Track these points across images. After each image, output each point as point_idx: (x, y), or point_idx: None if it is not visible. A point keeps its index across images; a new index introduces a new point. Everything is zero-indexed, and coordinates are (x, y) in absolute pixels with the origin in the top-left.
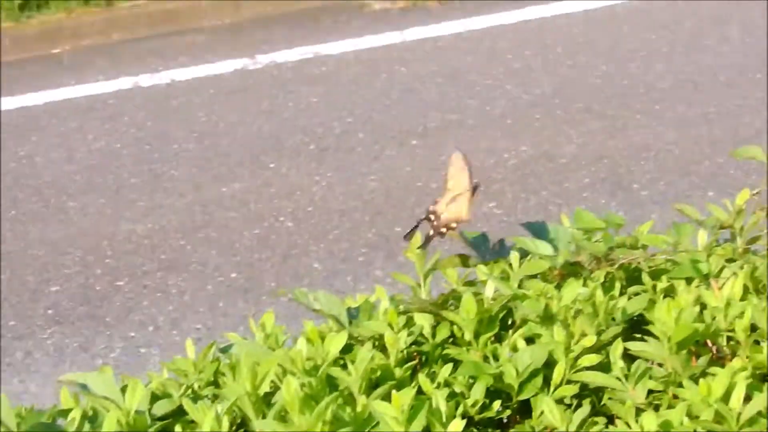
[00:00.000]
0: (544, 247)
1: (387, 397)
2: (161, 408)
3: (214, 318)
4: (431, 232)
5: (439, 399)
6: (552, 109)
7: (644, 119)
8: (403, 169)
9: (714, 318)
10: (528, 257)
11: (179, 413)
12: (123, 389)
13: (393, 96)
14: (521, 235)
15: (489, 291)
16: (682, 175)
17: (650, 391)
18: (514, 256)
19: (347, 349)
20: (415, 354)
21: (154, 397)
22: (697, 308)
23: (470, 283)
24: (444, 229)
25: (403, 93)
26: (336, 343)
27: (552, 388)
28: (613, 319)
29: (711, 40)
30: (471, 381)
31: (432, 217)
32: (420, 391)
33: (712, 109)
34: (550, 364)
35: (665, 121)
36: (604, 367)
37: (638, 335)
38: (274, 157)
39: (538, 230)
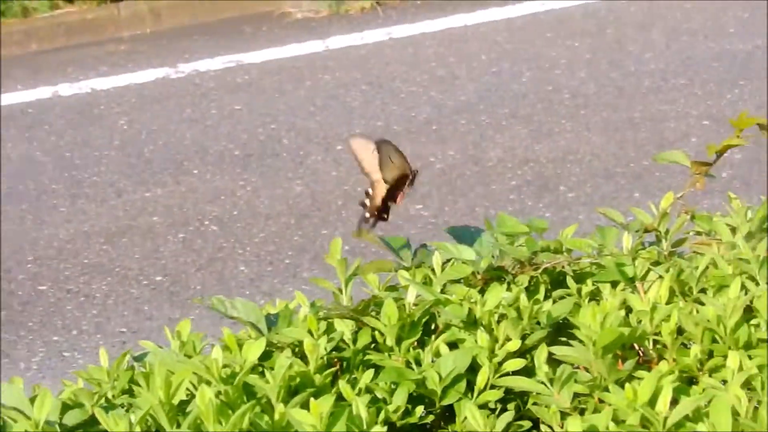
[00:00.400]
0: (466, 252)
1: (306, 405)
2: (72, 418)
3: (138, 322)
4: (366, 215)
5: (360, 405)
6: (477, 115)
7: (570, 124)
8: (329, 173)
9: (640, 322)
10: (451, 262)
11: (91, 423)
12: (32, 399)
13: (317, 103)
14: (449, 240)
15: (411, 296)
16: (608, 178)
17: (576, 396)
18: (436, 261)
19: (266, 356)
20: (335, 360)
21: (66, 407)
22: (623, 312)
23: (392, 289)
24: (377, 212)
25: (327, 100)
26: (254, 350)
27: (476, 393)
28: (538, 323)
29: (634, 46)
30: (393, 387)
31: (367, 201)
32: (341, 398)
33: (636, 114)
34: (474, 369)
35: (591, 126)
36: (529, 371)
37: (564, 339)
38: (197, 163)
39: (462, 235)
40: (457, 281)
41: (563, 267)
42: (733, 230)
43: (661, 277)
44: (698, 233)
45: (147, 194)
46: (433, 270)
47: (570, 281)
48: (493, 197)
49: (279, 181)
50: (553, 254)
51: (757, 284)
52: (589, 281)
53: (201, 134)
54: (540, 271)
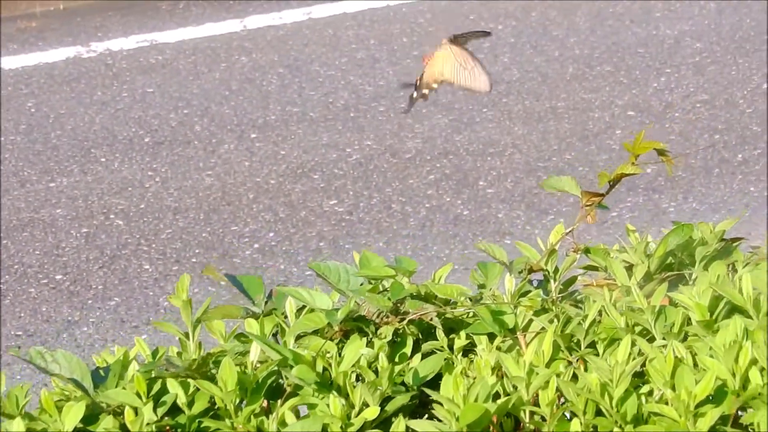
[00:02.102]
0: (321, 300)
1: None
2: None
3: (35, 324)
4: (414, 94)
5: None
6: (397, 101)
7: (491, 113)
8: (241, 163)
9: (516, 388)
10: (306, 310)
11: None
12: None
13: (232, 87)
14: (363, 240)
15: (254, 353)
16: (529, 172)
17: None
18: (290, 308)
19: (91, 419)
20: (167, 428)
21: None
22: (494, 379)
23: (243, 337)
24: (426, 90)
25: (242, 84)
26: (72, 416)
27: None
28: (404, 383)
29: (559, 30)
30: None
31: (417, 80)
32: None
33: (560, 103)
34: None
35: (513, 116)
36: None
37: (435, 401)
38: (106, 150)
39: (327, 272)
40: (315, 332)
41: (431, 320)
42: (630, 269)
43: (544, 329)
44: (593, 267)
45: (51, 184)
46: (287, 317)
47: (440, 334)
48: (410, 192)
49: (189, 172)
50: (421, 303)
51: (652, 340)
52: (463, 333)
53: (111, 119)
54: (405, 322)
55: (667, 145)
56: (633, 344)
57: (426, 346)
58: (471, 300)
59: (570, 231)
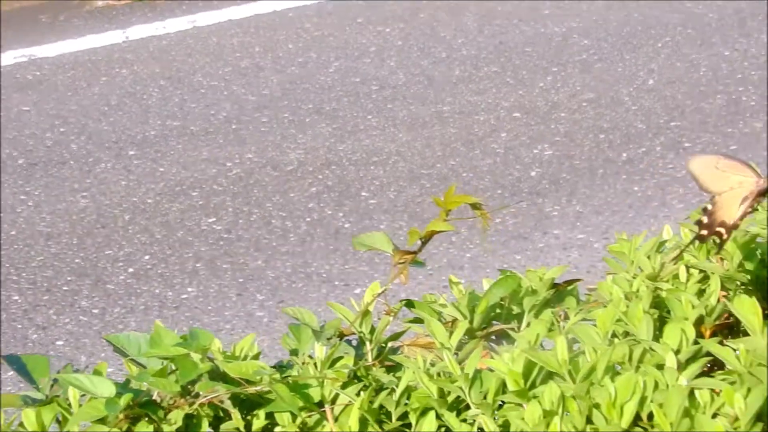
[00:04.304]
0: (103, 387)
1: None
2: None
3: None
4: (704, 232)
5: None
6: (280, 111)
7: (376, 120)
8: (117, 183)
9: None
10: (88, 397)
11: None
12: None
13: (111, 101)
14: (241, 259)
15: None
16: (413, 180)
17: None
18: (73, 396)
19: None
20: None
21: None
22: None
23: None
24: (719, 228)
25: (122, 98)
26: None
27: None
28: None
29: (446, 31)
30: None
31: (705, 217)
32: None
33: (446, 107)
34: None
35: (397, 122)
36: None
37: None
38: None
39: (124, 344)
40: (101, 420)
41: (221, 402)
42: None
43: (351, 402)
44: (419, 321)
45: None
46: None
47: (236, 416)
48: (291, 206)
49: (63, 194)
50: (214, 383)
51: (462, 411)
52: (261, 413)
53: None
54: (196, 405)
55: (481, 198)
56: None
57: (224, 427)
58: (281, 368)
59: (382, 291)
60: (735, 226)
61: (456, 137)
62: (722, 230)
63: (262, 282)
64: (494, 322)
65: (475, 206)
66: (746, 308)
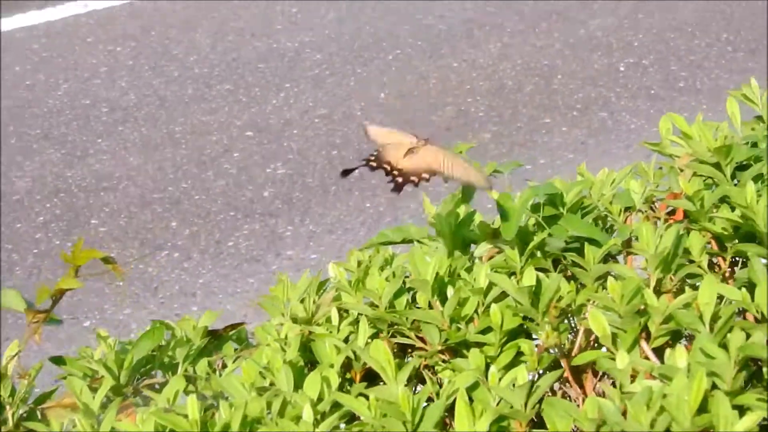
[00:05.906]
0: None
1: None
2: None
3: None
4: (400, 180)
5: None
6: (6, 138)
7: (106, 143)
8: None
9: None
10: None
11: None
12: None
13: None
14: None
15: None
16: (144, 206)
17: None
18: None
19: None
20: None
21: None
22: None
23: None
24: (416, 178)
25: None
26: None
27: None
28: None
29: (179, 49)
30: None
31: (388, 167)
32: None
33: (178, 128)
34: None
35: (129, 145)
36: None
37: None
38: None
39: None
40: None
41: None
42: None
43: None
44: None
45: None
46: None
47: None
48: (18, 238)
49: None
50: None
51: None
52: None
53: None
54: None
55: (109, 252)
56: None
57: None
58: None
59: (17, 353)
60: (416, 174)
61: (188, 159)
62: (388, 167)
63: None
64: (153, 372)
65: (105, 260)
66: (380, 355)
